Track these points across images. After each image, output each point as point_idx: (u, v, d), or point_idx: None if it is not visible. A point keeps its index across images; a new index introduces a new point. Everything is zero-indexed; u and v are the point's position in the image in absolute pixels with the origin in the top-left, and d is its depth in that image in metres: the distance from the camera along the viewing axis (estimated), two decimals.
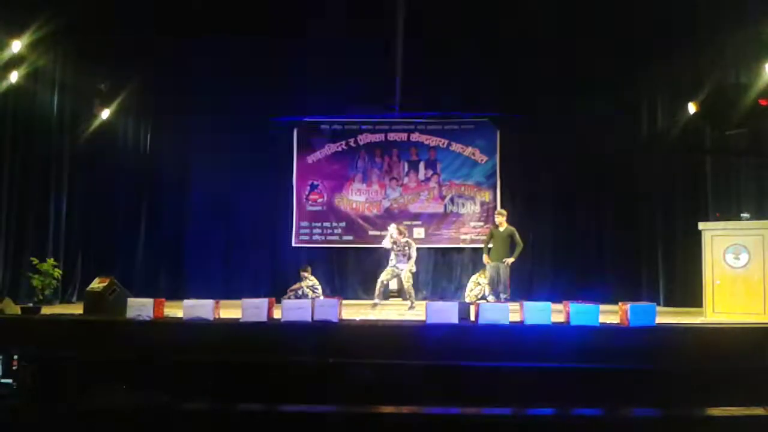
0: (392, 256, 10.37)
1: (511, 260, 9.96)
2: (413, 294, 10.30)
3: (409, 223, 12.43)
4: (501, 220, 10.23)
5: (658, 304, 10.24)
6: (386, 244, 10.42)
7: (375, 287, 10.29)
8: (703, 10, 9.99)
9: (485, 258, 10.20)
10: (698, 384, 5.98)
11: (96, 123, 11.51)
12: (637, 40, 10.88)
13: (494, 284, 10.06)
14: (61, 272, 9.24)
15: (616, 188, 12.16)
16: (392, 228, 10.54)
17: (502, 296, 9.82)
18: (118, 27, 10.91)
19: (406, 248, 10.28)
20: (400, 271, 10.28)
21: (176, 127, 12.86)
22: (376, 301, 10.19)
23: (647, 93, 11.88)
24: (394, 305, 10.88)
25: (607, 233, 12.32)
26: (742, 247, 7.97)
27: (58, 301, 10.27)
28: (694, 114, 10.31)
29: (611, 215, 12.29)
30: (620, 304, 7.19)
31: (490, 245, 10.16)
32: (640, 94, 11.91)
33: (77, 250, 11.29)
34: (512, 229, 10.21)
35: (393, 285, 11.44)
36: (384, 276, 10.34)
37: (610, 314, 7.34)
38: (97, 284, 8.37)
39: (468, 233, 12.57)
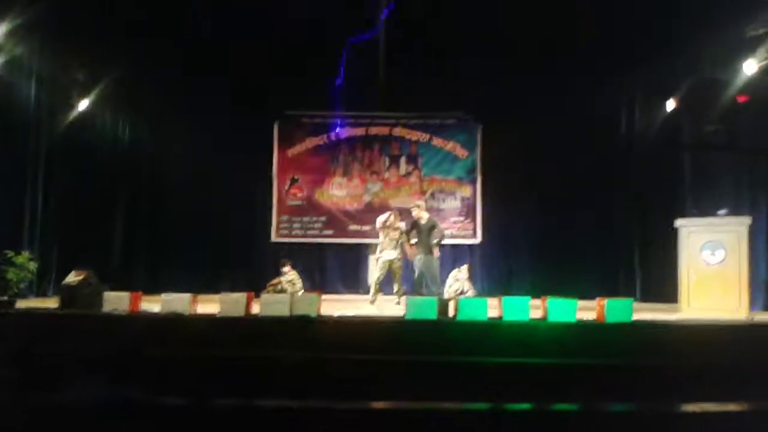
0: (378, 247, 10.29)
1: (437, 253, 9.91)
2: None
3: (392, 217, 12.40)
4: (419, 212, 10.04)
5: (635, 300, 10.34)
6: (383, 233, 10.30)
7: (354, 282, 10.25)
8: (683, 8, 10.05)
9: (409, 251, 10.00)
10: (674, 379, 6.04)
11: (73, 114, 11.38)
12: (616, 39, 10.94)
13: (423, 278, 9.97)
14: (36, 265, 9.12)
15: (595, 184, 12.25)
16: (391, 215, 10.43)
17: (434, 290, 9.69)
18: (96, 17, 10.78)
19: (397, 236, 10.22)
20: (391, 261, 10.23)
21: (154, 119, 12.78)
22: (373, 299, 10.17)
23: (627, 91, 11.99)
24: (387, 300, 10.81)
25: (586, 229, 12.41)
26: (718, 244, 8.04)
27: (33, 294, 10.14)
28: (673, 110, 10.42)
29: (590, 211, 12.37)
30: (597, 299, 7.23)
31: (414, 240, 9.99)
32: (619, 91, 12.00)
33: (53, 243, 11.15)
34: (435, 219, 10.19)
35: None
36: (379, 274, 10.27)
37: (587, 310, 7.38)
38: (72, 278, 8.25)
39: (449, 228, 12.55)
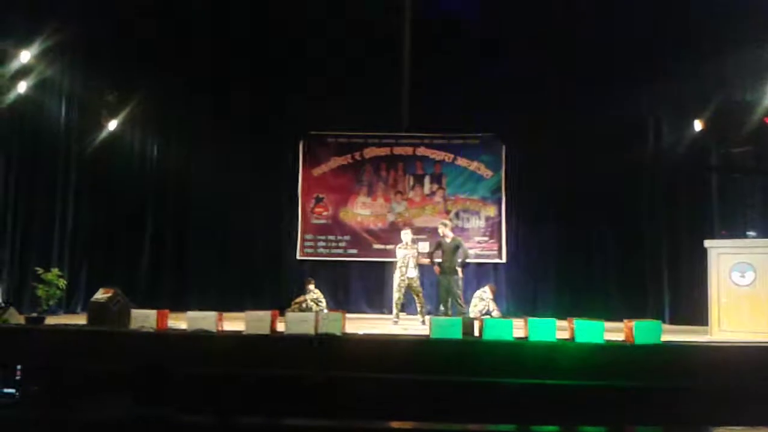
0: (404, 265, 10.33)
1: (461, 273, 10.05)
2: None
3: (414, 237, 12.38)
4: (445, 230, 10.14)
5: (664, 322, 10.21)
6: (409, 250, 10.40)
7: (378, 301, 10.26)
8: (710, 27, 10.01)
9: (436, 269, 10.12)
10: (704, 403, 5.95)
11: (103, 133, 11.58)
12: (643, 56, 10.90)
13: (445, 297, 9.99)
14: (65, 282, 9.24)
15: (623, 205, 12.14)
16: (407, 233, 10.61)
17: (459, 309, 9.74)
18: (125, 37, 11.00)
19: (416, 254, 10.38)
20: (411, 279, 10.25)
21: (182, 138, 12.93)
22: (396, 319, 10.19)
23: (653, 110, 11.90)
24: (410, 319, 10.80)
25: (613, 250, 12.28)
26: (748, 265, 7.95)
27: (62, 311, 10.27)
28: (700, 132, 10.34)
29: (617, 232, 12.26)
30: (625, 321, 7.16)
31: (438, 259, 10.05)
32: (646, 111, 11.93)
33: (82, 260, 11.30)
34: (459, 239, 10.24)
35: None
36: (402, 292, 10.34)
37: (615, 332, 7.31)
38: (101, 295, 8.35)
39: (473, 248, 12.49)
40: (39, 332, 7.65)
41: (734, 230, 9.09)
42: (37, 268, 8.87)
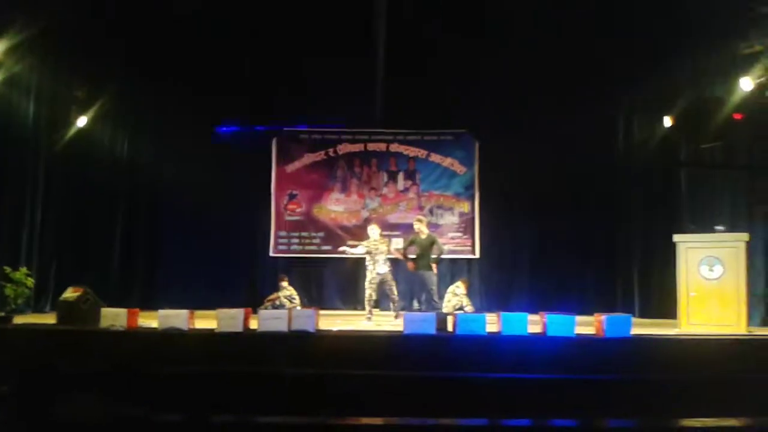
0: (372, 261, 10.29)
1: (436, 269, 10.02)
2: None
3: (387, 233, 12.36)
4: (420, 226, 10.13)
5: (634, 316, 10.36)
6: (373, 248, 10.33)
7: (352, 297, 10.23)
8: (680, 25, 10.13)
9: (409, 265, 10.10)
10: (673, 395, 6.04)
11: (72, 130, 11.41)
12: (615, 54, 11.00)
13: (418, 293, 10.00)
14: (34, 281, 9.12)
15: (594, 200, 12.29)
16: (374, 229, 10.54)
17: (433, 305, 9.74)
18: (95, 33, 10.83)
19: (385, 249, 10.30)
20: (382, 275, 10.24)
21: (153, 135, 12.78)
22: (369, 315, 10.17)
23: (624, 106, 12.05)
24: (384, 315, 10.81)
25: (584, 245, 12.40)
26: (716, 259, 8.06)
27: (30, 310, 10.09)
28: (670, 127, 10.46)
29: (588, 227, 12.37)
30: (596, 315, 7.24)
31: (412, 255, 10.05)
32: (617, 107, 12.07)
33: (51, 259, 11.12)
34: (434, 235, 10.29)
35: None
36: (374, 289, 10.26)
37: (586, 325, 7.38)
38: (70, 294, 8.25)
39: (447, 244, 12.51)
40: (7, 332, 7.53)
41: (703, 225, 9.22)
42: (5, 267, 8.72)
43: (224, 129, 13.01)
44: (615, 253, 12.10)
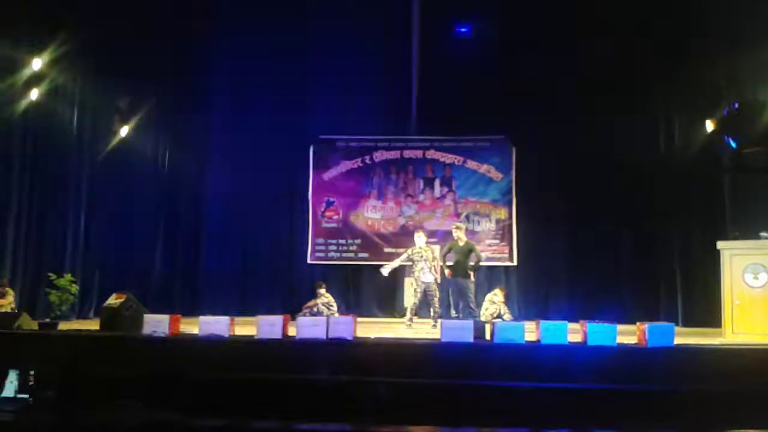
0: (417, 269, 10.25)
1: (473, 276, 9.92)
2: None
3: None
4: (459, 233, 9.97)
5: (677, 324, 10.14)
6: (417, 255, 10.29)
7: (390, 305, 10.20)
8: (722, 26, 9.96)
9: (447, 272, 9.97)
10: (717, 406, 5.91)
11: (115, 140, 11.66)
12: (655, 57, 10.86)
13: (457, 301, 9.89)
14: (78, 288, 9.31)
15: (634, 206, 12.07)
16: (420, 236, 10.49)
17: (470, 313, 9.59)
18: (136, 44, 11.07)
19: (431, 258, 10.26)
20: (426, 284, 10.19)
21: (194, 144, 12.99)
22: (410, 322, 10.16)
23: (665, 111, 11.86)
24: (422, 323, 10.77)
25: (625, 252, 12.21)
26: (761, 267, 7.89)
27: (75, 316, 10.33)
28: (712, 132, 10.29)
29: (629, 234, 12.19)
30: (638, 324, 7.11)
31: (450, 262, 9.91)
32: (658, 112, 11.89)
33: (94, 266, 11.38)
34: (472, 243, 10.17)
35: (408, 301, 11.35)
36: (417, 297, 10.23)
37: (627, 334, 7.26)
38: (113, 300, 8.39)
39: (484, 251, 12.45)
40: (52, 338, 7.70)
41: (747, 231, 9.01)
42: (50, 274, 8.93)
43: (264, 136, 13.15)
44: (657, 260, 11.88)
